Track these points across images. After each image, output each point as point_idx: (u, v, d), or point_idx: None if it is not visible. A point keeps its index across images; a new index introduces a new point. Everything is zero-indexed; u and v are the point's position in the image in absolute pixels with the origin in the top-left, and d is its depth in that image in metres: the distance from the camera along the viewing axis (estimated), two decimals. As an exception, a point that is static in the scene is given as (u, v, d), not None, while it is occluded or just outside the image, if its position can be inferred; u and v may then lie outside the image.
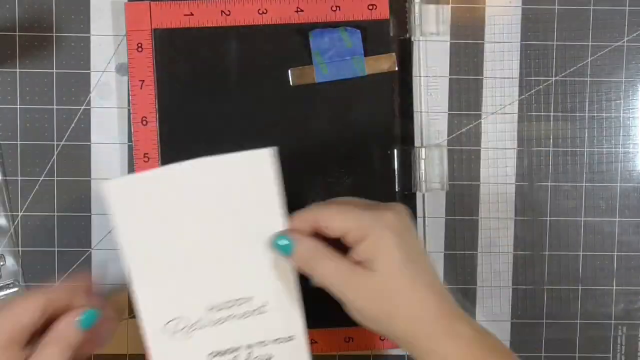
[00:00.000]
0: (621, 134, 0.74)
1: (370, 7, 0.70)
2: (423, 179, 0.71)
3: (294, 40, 0.70)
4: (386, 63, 0.70)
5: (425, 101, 0.73)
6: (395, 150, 0.71)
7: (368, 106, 0.70)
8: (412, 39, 0.72)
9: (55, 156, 0.72)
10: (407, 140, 0.72)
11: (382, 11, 0.70)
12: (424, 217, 0.74)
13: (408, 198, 0.72)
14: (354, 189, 0.71)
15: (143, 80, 0.70)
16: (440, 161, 0.72)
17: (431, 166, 0.72)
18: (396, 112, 0.72)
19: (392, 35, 0.71)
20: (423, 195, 0.73)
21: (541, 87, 0.73)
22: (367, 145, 0.71)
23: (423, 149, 0.71)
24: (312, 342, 0.72)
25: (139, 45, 0.70)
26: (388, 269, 0.55)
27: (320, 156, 0.71)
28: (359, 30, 0.69)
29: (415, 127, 0.72)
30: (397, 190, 0.72)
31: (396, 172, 0.71)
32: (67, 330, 0.56)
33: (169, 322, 0.60)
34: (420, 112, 0.73)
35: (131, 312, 0.73)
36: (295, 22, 0.70)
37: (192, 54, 0.70)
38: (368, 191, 0.71)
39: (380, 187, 0.71)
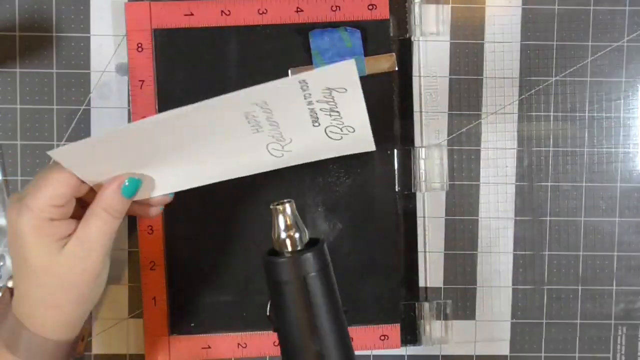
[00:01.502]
0: (621, 134, 0.74)
1: (370, 7, 0.70)
2: (423, 179, 0.72)
3: (294, 40, 0.70)
4: (386, 63, 0.70)
5: (425, 101, 0.73)
6: (396, 150, 0.71)
7: (368, 106, 0.70)
8: (412, 39, 0.72)
9: (55, 156, 0.72)
10: (407, 140, 0.72)
11: (382, 11, 0.70)
12: (424, 217, 0.74)
13: (408, 198, 0.72)
14: (354, 189, 0.71)
15: (143, 80, 0.70)
16: (440, 161, 0.72)
17: (431, 166, 0.72)
18: (396, 112, 0.72)
19: (392, 35, 0.71)
20: (423, 195, 0.73)
21: (541, 87, 0.73)
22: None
23: (423, 149, 0.71)
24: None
25: (139, 45, 0.70)
26: None
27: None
28: (359, 30, 0.69)
29: (415, 127, 0.72)
30: (397, 190, 0.72)
31: (396, 172, 0.72)
32: (112, 198, 0.57)
33: None
34: (421, 112, 0.73)
35: (131, 312, 0.73)
36: (295, 22, 0.70)
37: (192, 54, 0.70)
38: (368, 191, 0.71)
39: (380, 187, 0.71)
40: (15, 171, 0.72)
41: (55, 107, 0.72)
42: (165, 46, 0.70)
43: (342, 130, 0.61)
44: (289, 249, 0.56)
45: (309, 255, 0.55)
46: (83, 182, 0.57)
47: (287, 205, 0.57)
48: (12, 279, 0.61)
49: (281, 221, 0.56)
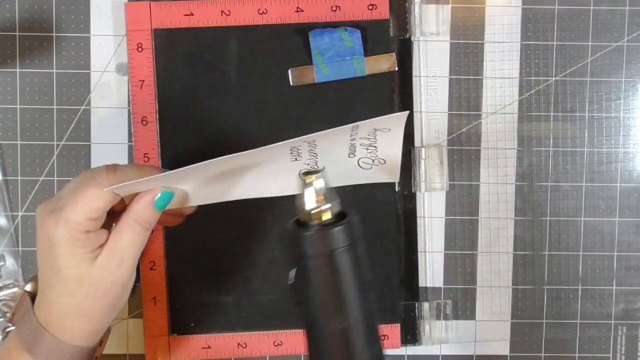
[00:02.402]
0: (621, 134, 0.74)
1: (370, 7, 0.70)
2: (423, 179, 0.72)
3: (294, 40, 0.70)
4: (386, 63, 0.70)
5: (425, 101, 0.73)
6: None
7: (368, 106, 0.70)
8: (412, 39, 0.72)
9: (55, 156, 0.72)
10: (407, 141, 0.72)
11: (382, 11, 0.70)
12: (424, 217, 0.74)
13: (408, 198, 0.72)
14: (354, 189, 0.71)
15: (143, 80, 0.70)
16: (440, 161, 0.72)
17: (431, 166, 0.72)
18: (396, 112, 0.72)
19: (392, 35, 0.71)
20: (423, 195, 0.73)
21: (541, 87, 0.73)
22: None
23: (423, 149, 0.71)
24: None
25: (139, 45, 0.70)
26: None
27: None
28: (358, 30, 0.69)
29: (415, 127, 0.72)
30: (397, 190, 0.72)
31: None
32: (144, 211, 0.58)
33: None
34: (420, 112, 0.73)
35: (131, 312, 0.73)
36: (295, 22, 0.70)
37: (192, 54, 0.70)
38: (368, 191, 0.71)
39: (380, 187, 0.71)
40: (16, 171, 0.72)
41: (55, 107, 0.72)
42: (165, 46, 0.70)
43: (373, 162, 0.61)
44: (317, 221, 0.53)
45: (338, 230, 0.52)
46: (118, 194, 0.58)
47: (318, 174, 0.54)
48: (31, 283, 0.61)
49: (310, 192, 0.54)
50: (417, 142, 0.72)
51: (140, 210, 0.58)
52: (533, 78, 0.73)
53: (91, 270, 0.57)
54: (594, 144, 0.74)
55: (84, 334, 0.59)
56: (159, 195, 0.59)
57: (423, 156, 0.71)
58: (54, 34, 0.72)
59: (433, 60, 0.73)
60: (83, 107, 0.72)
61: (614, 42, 0.73)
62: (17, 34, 0.72)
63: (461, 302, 0.74)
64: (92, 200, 0.56)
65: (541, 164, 0.74)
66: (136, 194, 0.59)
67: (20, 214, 0.72)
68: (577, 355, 0.75)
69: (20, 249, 0.73)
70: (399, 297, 0.73)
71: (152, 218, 0.59)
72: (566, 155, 0.74)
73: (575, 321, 0.75)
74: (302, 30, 0.70)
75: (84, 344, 0.59)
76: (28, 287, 0.62)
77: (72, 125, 0.72)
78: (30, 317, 0.59)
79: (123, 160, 0.72)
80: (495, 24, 0.73)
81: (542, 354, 0.75)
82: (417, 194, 0.73)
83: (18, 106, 0.72)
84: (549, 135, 0.74)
